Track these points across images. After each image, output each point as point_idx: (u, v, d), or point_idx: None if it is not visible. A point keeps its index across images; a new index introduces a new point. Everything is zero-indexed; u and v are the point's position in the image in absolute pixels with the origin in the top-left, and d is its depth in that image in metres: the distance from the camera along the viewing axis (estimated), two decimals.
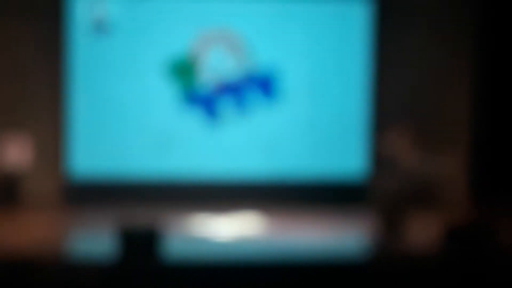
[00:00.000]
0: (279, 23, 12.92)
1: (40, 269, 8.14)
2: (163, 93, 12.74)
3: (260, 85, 12.96)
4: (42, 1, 12.88)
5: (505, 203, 13.24)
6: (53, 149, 12.96)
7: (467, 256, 8.94)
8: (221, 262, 8.86)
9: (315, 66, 13.06)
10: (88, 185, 12.51)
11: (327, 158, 13.02)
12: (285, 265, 8.86)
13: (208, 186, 12.80)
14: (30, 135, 12.39)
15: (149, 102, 12.70)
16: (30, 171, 12.34)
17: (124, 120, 12.66)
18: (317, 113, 13.07)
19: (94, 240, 10.05)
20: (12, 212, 11.81)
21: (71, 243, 10.01)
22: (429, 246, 9.65)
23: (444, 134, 13.86)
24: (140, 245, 8.55)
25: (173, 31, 12.70)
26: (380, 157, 9.52)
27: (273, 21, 12.92)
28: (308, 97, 13.05)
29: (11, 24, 12.83)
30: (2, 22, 12.83)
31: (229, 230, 11.03)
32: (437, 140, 13.50)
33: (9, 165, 12.20)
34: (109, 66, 12.59)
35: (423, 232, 10.77)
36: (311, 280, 8.53)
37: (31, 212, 11.87)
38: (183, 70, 12.80)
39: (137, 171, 12.67)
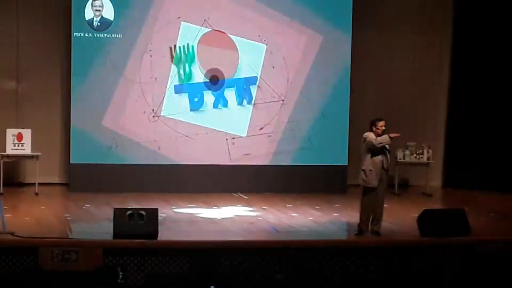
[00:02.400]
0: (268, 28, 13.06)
1: (45, 249, 8.13)
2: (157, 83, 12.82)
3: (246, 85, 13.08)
4: (43, 4, 12.96)
5: (474, 190, 13.43)
6: (54, 140, 13.07)
7: (440, 234, 9.05)
8: (212, 241, 8.94)
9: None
10: (86, 171, 12.55)
11: (312, 152, 13.16)
12: (276, 243, 8.98)
13: (196, 169, 12.87)
14: (33, 127, 12.41)
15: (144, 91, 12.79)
16: (33, 159, 12.40)
17: (120, 107, 12.69)
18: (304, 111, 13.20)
19: (93, 220, 10.09)
20: (17, 198, 11.88)
21: (72, 224, 10.02)
22: (408, 228, 9.76)
23: (423, 129, 14.01)
24: (135, 224, 8.55)
25: (171, 26, 12.79)
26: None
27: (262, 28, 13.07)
28: (293, 97, 13.16)
29: (14, 22, 12.90)
30: (5, 20, 12.89)
31: (220, 211, 11.13)
32: (416, 134, 13.66)
33: (14, 154, 12.25)
34: (105, 61, 12.61)
35: (404, 214, 10.91)
36: (300, 257, 8.60)
37: (35, 198, 11.94)
38: (180, 62, 12.83)
39: (130, 157, 12.72)
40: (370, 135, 9.53)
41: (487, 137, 13.75)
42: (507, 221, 11.18)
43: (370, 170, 9.44)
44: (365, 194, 9.57)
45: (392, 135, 9.51)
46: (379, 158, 9.44)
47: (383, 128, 9.51)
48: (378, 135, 9.50)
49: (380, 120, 9.54)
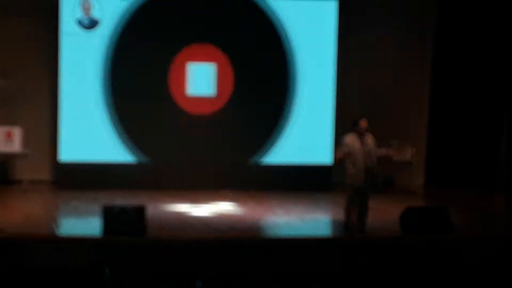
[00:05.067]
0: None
1: (32, 245, 8.08)
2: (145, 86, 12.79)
3: None
4: (32, 2, 12.87)
5: (455, 188, 13.47)
6: (43, 137, 13.00)
7: (423, 231, 9.05)
8: (199, 238, 8.92)
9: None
10: (74, 169, 12.51)
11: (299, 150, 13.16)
12: (262, 240, 8.98)
13: (184, 166, 12.84)
14: (22, 125, 12.36)
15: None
16: (22, 157, 12.35)
17: (105, 108, 12.64)
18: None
19: (80, 218, 10.05)
20: (6, 195, 11.83)
21: (60, 221, 9.98)
22: (391, 225, 9.78)
23: (406, 128, 14.04)
24: (123, 221, 8.51)
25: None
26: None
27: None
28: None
29: (3, 20, 12.83)
30: None
31: (207, 209, 11.12)
32: (399, 133, 13.69)
33: (3, 152, 12.19)
34: (93, 59, 12.58)
35: (385, 213, 10.93)
36: (285, 254, 8.59)
37: (24, 195, 11.89)
38: None
39: (117, 156, 12.68)
40: (345, 140, 9.51)
41: (469, 136, 13.77)
42: (488, 218, 11.25)
43: (355, 172, 9.43)
44: (352, 196, 9.53)
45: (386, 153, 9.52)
46: (362, 158, 9.43)
47: (366, 126, 9.49)
48: (360, 134, 9.49)
49: (362, 118, 9.48)
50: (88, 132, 12.59)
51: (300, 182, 13.03)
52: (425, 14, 14.17)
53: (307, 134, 13.17)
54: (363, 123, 9.45)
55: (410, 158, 13.41)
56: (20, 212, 10.26)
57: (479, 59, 13.64)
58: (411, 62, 14.21)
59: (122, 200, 11.29)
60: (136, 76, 12.70)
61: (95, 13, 12.54)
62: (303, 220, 10.43)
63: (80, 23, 12.51)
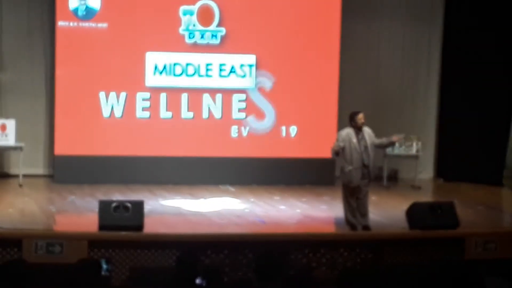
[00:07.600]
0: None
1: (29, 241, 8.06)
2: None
3: None
4: None
5: (465, 182, 13.41)
6: (38, 131, 12.97)
7: (429, 227, 9.02)
8: (199, 233, 8.90)
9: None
10: (70, 163, 12.45)
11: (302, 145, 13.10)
12: (263, 236, 8.93)
13: (183, 160, 12.78)
14: (17, 118, 12.30)
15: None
16: (17, 150, 12.31)
17: (102, 101, 12.58)
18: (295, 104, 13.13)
19: (78, 212, 10.05)
20: (0, 190, 11.79)
21: (57, 216, 9.96)
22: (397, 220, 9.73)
23: (412, 121, 13.99)
24: (120, 216, 8.49)
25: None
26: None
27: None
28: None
29: None
30: None
31: (206, 203, 11.09)
32: (406, 126, 13.63)
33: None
34: (89, 50, 12.50)
35: (393, 207, 10.90)
36: (287, 250, 8.56)
37: (19, 189, 11.84)
38: None
39: (115, 149, 12.61)
40: (341, 135, 9.40)
41: (478, 129, 13.66)
42: (494, 213, 11.24)
43: (350, 169, 9.35)
44: (347, 193, 9.45)
45: (395, 138, 9.47)
46: (358, 155, 9.33)
47: (363, 120, 9.40)
48: (357, 128, 9.40)
49: (359, 113, 9.38)
50: (84, 125, 12.51)
51: (303, 176, 12.93)
52: (433, 1, 14.11)
53: (310, 128, 13.13)
54: (360, 118, 9.36)
55: (416, 152, 13.34)
56: (15, 207, 10.23)
57: (491, 49, 13.50)
58: (419, 53, 14.14)
59: (120, 194, 11.28)
60: None
61: (92, 3, 12.45)
62: (305, 215, 10.42)
63: (76, 12, 12.46)
